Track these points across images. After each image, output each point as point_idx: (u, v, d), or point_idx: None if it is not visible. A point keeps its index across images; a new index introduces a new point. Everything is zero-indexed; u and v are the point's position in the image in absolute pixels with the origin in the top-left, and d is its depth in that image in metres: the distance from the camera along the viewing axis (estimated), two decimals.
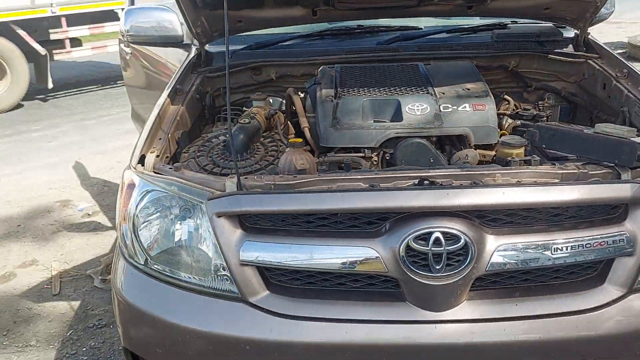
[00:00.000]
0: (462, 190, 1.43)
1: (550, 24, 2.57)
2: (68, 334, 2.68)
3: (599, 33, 5.85)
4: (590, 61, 2.30)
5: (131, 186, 1.66)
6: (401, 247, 1.40)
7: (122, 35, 2.80)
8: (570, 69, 2.37)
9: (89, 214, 4.02)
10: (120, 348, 2.55)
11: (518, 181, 1.53)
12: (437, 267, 1.41)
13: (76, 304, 2.93)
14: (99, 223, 3.88)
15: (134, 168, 1.69)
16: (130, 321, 1.63)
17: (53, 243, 3.62)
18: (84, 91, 7.96)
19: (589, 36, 2.43)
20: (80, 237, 3.67)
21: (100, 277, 3.13)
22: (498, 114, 2.07)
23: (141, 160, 1.72)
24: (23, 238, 3.71)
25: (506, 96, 2.31)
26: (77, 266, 3.31)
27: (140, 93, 3.81)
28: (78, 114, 6.78)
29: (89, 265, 3.30)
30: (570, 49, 2.44)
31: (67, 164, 5.09)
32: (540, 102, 2.33)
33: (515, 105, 2.30)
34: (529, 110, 2.19)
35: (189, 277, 1.57)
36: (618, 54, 2.35)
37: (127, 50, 3.73)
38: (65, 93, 7.87)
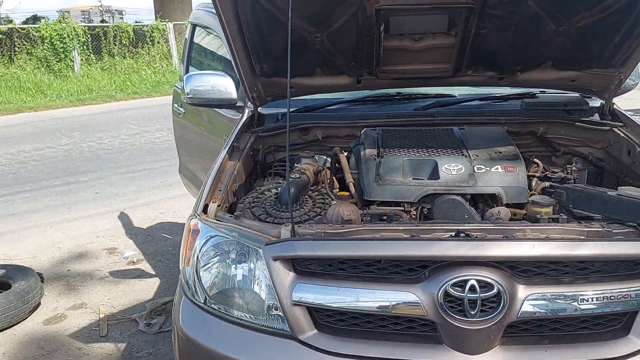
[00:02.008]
0: (496, 242, 1.58)
1: (576, 94, 2.76)
2: None
3: (630, 100, 6.01)
4: (615, 129, 2.46)
5: (195, 232, 1.86)
6: (439, 292, 1.55)
7: (183, 97, 3.08)
8: (596, 136, 2.53)
9: (133, 262, 4.24)
10: None
11: (547, 236, 1.68)
12: (472, 312, 1.54)
13: (122, 345, 3.09)
14: (143, 270, 4.08)
15: (199, 216, 1.89)
16: (188, 354, 1.79)
17: (100, 288, 3.83)
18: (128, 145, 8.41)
19: (614, 106, 2.60)
20: (126, 283, 3.87)
21: (144, 322, 3.30)
22: (528, 176, 2.23)
23: (204, 209, 1.92)
24: (73, 282, 3.93)
25: (535, 159, 2.47)
26: (123, 310, 3.49)
27: (190, 149, 4.09)
28: (123, 167, 7.16)
29: (134, 309, 3.48)
30: (596, 117, 2.61)
31: (113, 214, 5.37)
32: (568, 166, 2.48)
33: (544, 168, 2.45)
34: (557, 173, 2.34)
35: (242, 315, 1.73)
36: None
37: (181, 109, 4.04)
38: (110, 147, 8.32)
